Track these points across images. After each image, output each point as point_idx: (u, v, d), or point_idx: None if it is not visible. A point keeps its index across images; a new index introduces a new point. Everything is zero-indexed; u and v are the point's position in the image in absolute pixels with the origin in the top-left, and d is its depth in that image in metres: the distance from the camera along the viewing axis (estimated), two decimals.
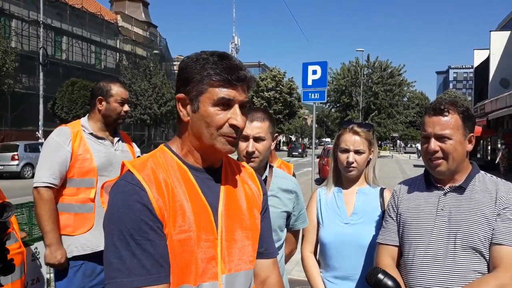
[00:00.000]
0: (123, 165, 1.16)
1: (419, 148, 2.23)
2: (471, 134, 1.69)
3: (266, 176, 2.05)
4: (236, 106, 1.15)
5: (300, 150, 42.86)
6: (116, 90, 2.63)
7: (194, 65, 1.14)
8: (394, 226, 1.80)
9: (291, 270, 5.25)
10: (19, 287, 2.00)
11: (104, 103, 2.61)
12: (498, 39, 30.74)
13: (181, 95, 1.17)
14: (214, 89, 1.12)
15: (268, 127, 1.96)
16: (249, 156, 1.90)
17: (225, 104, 1.13)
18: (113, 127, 2.70)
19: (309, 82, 10.09)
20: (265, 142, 1.94)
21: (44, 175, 2.43)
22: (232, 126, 1.14)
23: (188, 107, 1.16)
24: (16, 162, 18.18)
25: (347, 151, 2.08)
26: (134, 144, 2.92)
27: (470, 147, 1.71)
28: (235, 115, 1.14)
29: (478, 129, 23.52)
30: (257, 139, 1.91)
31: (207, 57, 1.14)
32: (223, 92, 1.12)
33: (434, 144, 1.66)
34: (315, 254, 2.21)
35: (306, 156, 41.46)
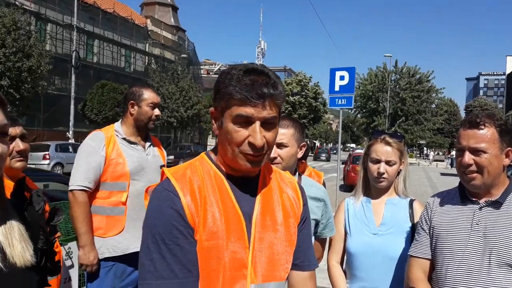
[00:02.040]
0: (162, 172, 1.21)
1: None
2: (509, 148, 1.65)
3: None
4: (257, 124, 1.12)
5: (326, 155, 44.98)
6: (148, 94, 2.69)
7: (223, 80, 1.15)
8: (427, 239, 1.77)
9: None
10: (55, 285, 2.07)
11: (136, 107, 2.67)
12: None
13: (212, 109, 1.21)
14: (235, 106, 1.12)
15: (292, 134, 1.97)
16: (271, 162, 1.92)
17: (246, 121, 1.12)
18: (145, 131, 2.76)
19: (336, 88, 10.03)
20: (288, 149, 1.95)
21: (80, 179, 2.51)
22: (250, 144, 1.13)
23: (218, 121, 1.19)
24: (47, 162, 18.70)
25: (378, 161, 2.07)
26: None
27: (507, 161, 1.67)
28: (254, 133, 1.12)
29: None
30: (279, 145, 1.92)
31: (234, 72, 1.14)
32: (241, 110, 1.11)
33: (468, 157, 1.63)
34: (341, 264, 2.20)
35: (330, 160, 42.55)
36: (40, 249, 1.09)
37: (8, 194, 1.07)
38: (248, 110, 1.11)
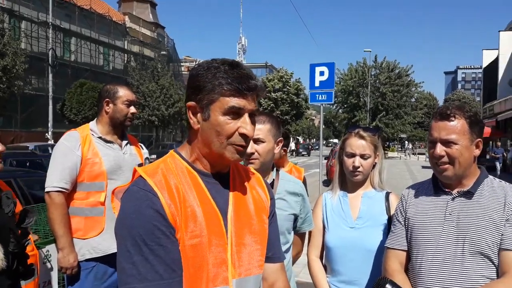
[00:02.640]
0: (134, 171, 1.18)
1: None
2: (479, 139, 1.69)
3: (273, 180, 2.07)
4: (246, 115, 1.16)
5: (307, 150, 48.01)
6: (123, 92, 2.66)
7: (206, 73, 1.15)
8: (402, 231, 1.80)
9: (299, 272, 5.24)
10: None
11: (111, 105, 2.64)
12: (507, 39, 30.50)
13: (191, 103, 1.18)
14: (225, 98, 1.13)
15: (268, 129, 1.98)
16: (248, 158, 1.93)
17: (235, 113, 1.15)
18: (120, 129, 2.73)
19: (317, 84, 10.07)
20: (265, 145, 1.96)
21: (55, 180, 2.47)
22: (241, 135, 1.16)
23: (199, 115, 1.17)
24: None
25: (353, 155, 2.10)
26: (141, 146, 2.95)
27: (477, 152, 1.71)
28: (245, 124, 1.16)
29: (487, 130, 23.33)
30: (256, 141, 1.93)
31: (218, 65, 1.15)
32: (234, 101, 1.14)
33: (439, 149, 1.66)
34: (321, 258, 2.22)
35: (310, 155, 44.52)
36: (11, 253, 1.07)
37: None
38: (240, 102, 1.14)
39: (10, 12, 28.72)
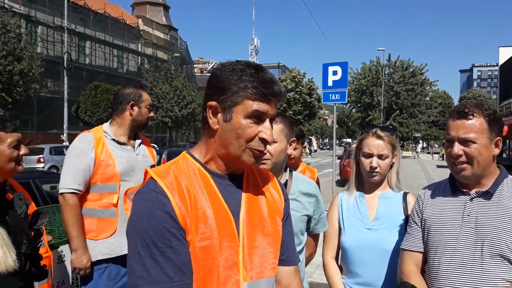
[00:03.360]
0: (146, 173, 1.18)
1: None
2: (498, 137, 1.63)
3: (286, 180, 2.04)
4: (267, 120, 1.16)
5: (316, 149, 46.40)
6: (145, 96, 2.78)
7: (231, 75, 1.14)
8: (419, 232, 1.76)
9: (312, 273, 5.21)
10: None
11: (135, 107, 2.70)
12: None
13: (213, 103, 1.16)
14: (249, 101, 1.13)
15: (281, 129, 1.95)
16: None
17: (258, 117, 1.14)
18: (140, 131, 2.82)
19: (330, 83, 10.04)
20: (277, 145, 1.93)
21: (69, 181, 2.48)
22: (261, 139, 1.15)
23: (220, 115, 1.16)
24: (41, 165, 18.61)
25: (370, 155, 2.05)
26: (155, 146, 2.98)
27: (497, 151, 1.65)
28: (265, 129, 1.15)
29: (504, 129, 22.84)
30: None
31: (244, 68, 1.15)
32: (258, 105, 1.13)
33: (457, 148, 1.61)
34: (336, 259, 2.18)
35: (315, 152, 44.11)
36: (23, 254, 1.08)
37: None
38: (264, 107, 1.14)
39: (27, 18, 29.33)
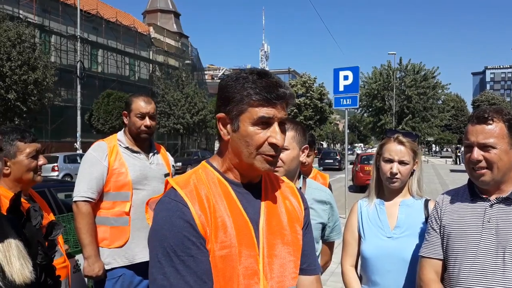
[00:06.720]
0: (166, 183, 1.19)
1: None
2: None
3: (300, 188, 2.02)
4: (276, 124, 1.15)
5: (337, 160, 30.24)
6: (135, 104, 2.63)
7: (234, 84, 1.15)
8: (438, 239, 1.72)
9: (326, 280, 5.16)
10: None
11: (127, 117, 2.67)
12: None
13: (221, 114, 1.18)
14: (254, 108, 1.13)
15: (292, 136, 1.93)
16: None
17: (265, 122, 1.14)
18: (140, 141, 2.68)
19: (341, 88, 10.00)
20: (289, 152, 1.91)
21: (83, 190, 2.49)
22: (271, 144, 1.14)
23: (229, 126, 1.17)
24: (56, 173, 18.84)
25: (391, 161, 2.01)
26: (168, 154, 2.95)
27: None
28: (274, 134, 1.14)
29: None
30: None
31: (247, 75, 1.15)
32: (263, 111, 1.12)
33: (477, 153, 1.58)
34: (355, 268, 2.14)
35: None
36: (39, 265, 1.08)
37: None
38: (269, 111, 1.13)
39: (41, 28, 29.81)
